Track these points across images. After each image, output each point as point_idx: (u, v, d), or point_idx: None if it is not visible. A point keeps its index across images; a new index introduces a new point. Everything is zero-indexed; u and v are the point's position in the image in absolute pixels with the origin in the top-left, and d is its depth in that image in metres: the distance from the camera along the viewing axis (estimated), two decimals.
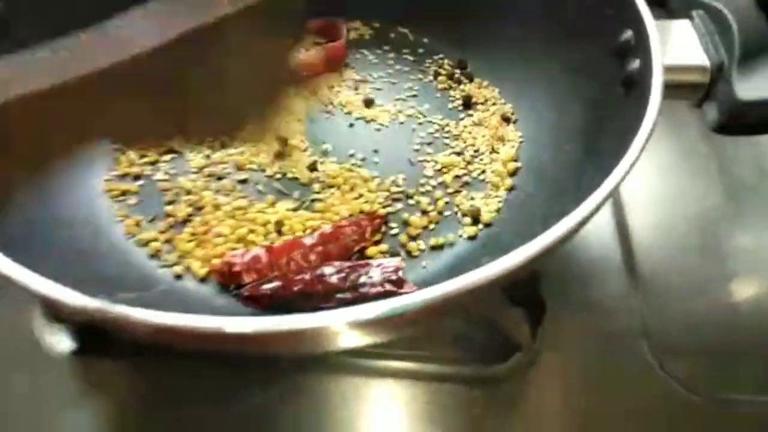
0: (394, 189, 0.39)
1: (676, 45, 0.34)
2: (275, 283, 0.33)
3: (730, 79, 0.31)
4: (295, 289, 0.33)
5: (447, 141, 0.42)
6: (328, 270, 0.34)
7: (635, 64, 0.34)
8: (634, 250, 0.41)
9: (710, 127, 0.32)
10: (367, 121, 0.43)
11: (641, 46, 0.33)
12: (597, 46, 0.37)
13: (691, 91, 0.34)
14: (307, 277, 0.33)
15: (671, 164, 0.47)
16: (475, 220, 0.38)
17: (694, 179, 0.45)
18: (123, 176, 0.39)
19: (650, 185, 0.46)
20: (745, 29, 0.32)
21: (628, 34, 0.35)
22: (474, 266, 0.34)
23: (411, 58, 0.48)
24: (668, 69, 0.33)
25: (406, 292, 0.32)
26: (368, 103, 0.44)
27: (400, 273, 0.33)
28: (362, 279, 0.33)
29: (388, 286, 0.33)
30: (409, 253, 0.36)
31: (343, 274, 0.34)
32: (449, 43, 0.48)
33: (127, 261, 0.35)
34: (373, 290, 0.33)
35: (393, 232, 0.38)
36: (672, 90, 0.34)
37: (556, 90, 0.41)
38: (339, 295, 0.33)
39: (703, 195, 0.45)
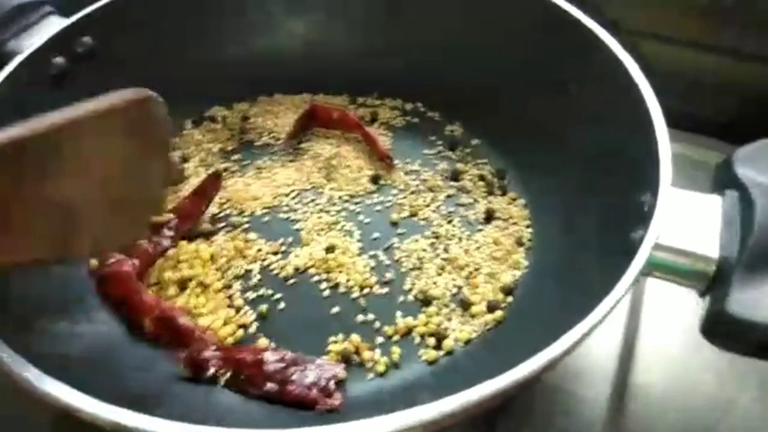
0: (376, 288, 0.39)
1: (693, 223, 0.30)
2: (216, 353, 0.34)
3: (730, 281, 0.27)
4: (232, 366, 0.33)
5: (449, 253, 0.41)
6: (270, 356, 0.34)
7: (640, 233, 0.30)
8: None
9: (699, 329, 0.28)
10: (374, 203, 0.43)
11: (650, 215, 0.30)
12: (621, 201, 0.35)
13: (694, 279, 0.30)
14: (248, 358, 0.34)
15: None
16: (438, 345, 0.36)
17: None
18: None
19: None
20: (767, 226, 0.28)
21: (647, 197, 0.32)
22: (415, 397, 0.33)
23: (453, 155, 0.47)
24: (668, 249, 0.30)
25: (328, 405, 0.32)
26: (375, 179, 0.44)
27: (332, 383, 0.32)
28: (295, 376, 0.33)
29: (314, 392, 0.32)
30: (361, 363, 0.35)
31: (282, 365, 0.33)
32: (495, 148, 0.47)
33: None
34: (297, 391, 0.32)
35: (359, 319, 0.37)
36: (674, 273, 0.30)
37: (576, 230, 0.38)
38: (268, 385, 0.32)
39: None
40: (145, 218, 0.34)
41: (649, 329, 0.41)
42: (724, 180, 0.32)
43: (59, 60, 0.41)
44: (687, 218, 0.31)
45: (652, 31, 0.52)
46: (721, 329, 0.27)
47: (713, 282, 0.28)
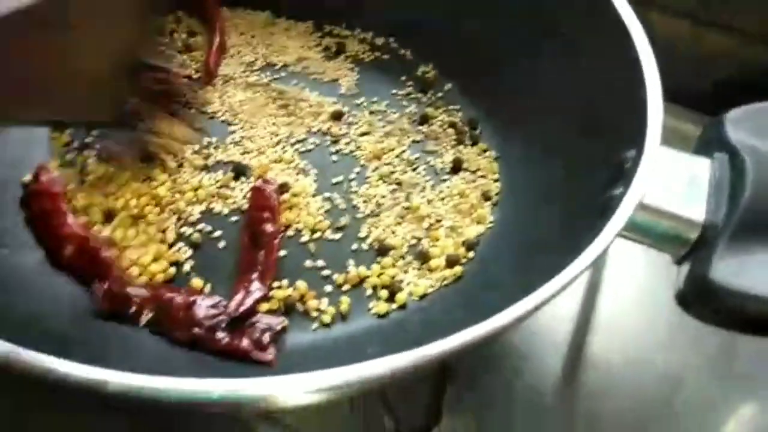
0: (328, 233, 0.35)
1: (678, 184, 0.28)
2: (140, 290, 0.30)
3: (715, 248, 0.25)
4: (157, 306, 0.30)
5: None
6: (203, 300, 0.30)
7: (619, 190, 0.28)
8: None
9: (674, 295, 0.26)
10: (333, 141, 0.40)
11: (632, 172, 0.27)
12: (601, 156, 0.32)
13: (674, 243, 0.27)
14: (177, 299, 0.30)
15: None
16: (391, 297, 0.33)
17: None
18: None
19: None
20: (759, 193, 0.25)
21: (631, 153, 0.29)
22: (361, 351, 0.30)
23: (424, 98, 0.43)
24: (650, 209, 0.27)
25: (259, 357, 0.29)
26: (336, 116, 0.41)
27: (266, 336, 0.29)
28: (226, 324, 0.29)
29: (245, 343, 0.29)
30: (306, 312, 0.32)
31: (214, 311, 0.30)
32: (469, 95, 0.43)
33: None
34: (226, 341, 0.29)
35: (308, 265, 0.34)
36: (652, 236, 0.28)
37: (548, 185, 0.36)
38: (193, 330, 0.29)
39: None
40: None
41: (607, 297, 0.39)
42: (712, 142, 0.30)
43: None
44: (671, 179, 0.28)
45: None
46: (702, 297, 0.25)
47: (695, 248, 0.26)
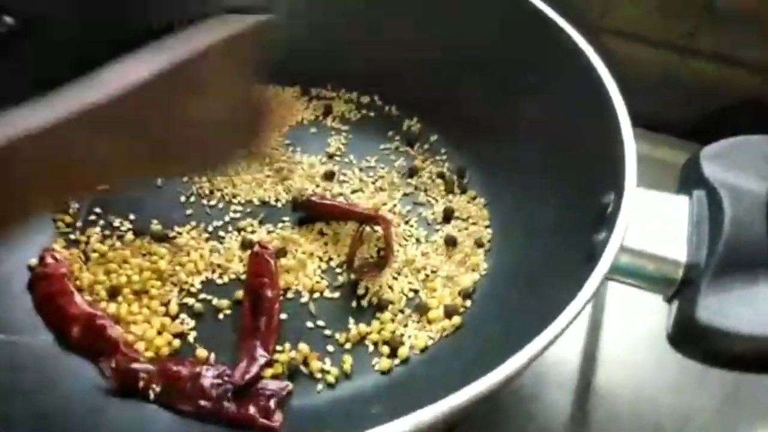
0: (327, 292, 0.36)
1: (660, 226, 0.29)
2: (146, 365, 0.31)
3: (699, 287, 0.25)
4: (164, 380, 0.30)
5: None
6: (208, 371, 0.31)
7: (602, 235, 0.29)
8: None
9: (666, 337, 0.27)
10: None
11: (614, 217, 0.28)
12: (584, 202, 0.33)
13: (661, 284, 0.28)
14: (183, 372, 0.31)
15: None
16: (393, 353, 0.33)
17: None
18: None
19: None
20: (738, 230, 0.26)
21: (611, 197, 0.30)
22: (365, 411, 0.31)
23: (411, 151, 0.45)
24: (634, 253, 0.28)
25: (266, 425, 0.29)
26: (328, 176, 0.42)
27: (272, 402, 0.30)
28: (232, 392, 0.30)
29: (252, 410, 0.29)
30: (310, 374, 0.33)
31: (219, 381, 0.31)
32: (455, 145, 0.44)
33: None
34: (233, 410, 0.29)
35: (309, 326, 0.35)
36: (639, 278, 0.29)
37: (537, 231, 0.36)
38: (200, 401, 0.30)
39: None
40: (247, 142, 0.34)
41: (610, 332, 0.40)
42: (691, 180, 0.31)
43: None
44: (653, 220, 0.29)
45: (618, 28, 0.51)
46: (690, 337, 0.25)
47: (681, 287, 0.27)
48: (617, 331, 0.39)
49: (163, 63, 0.27)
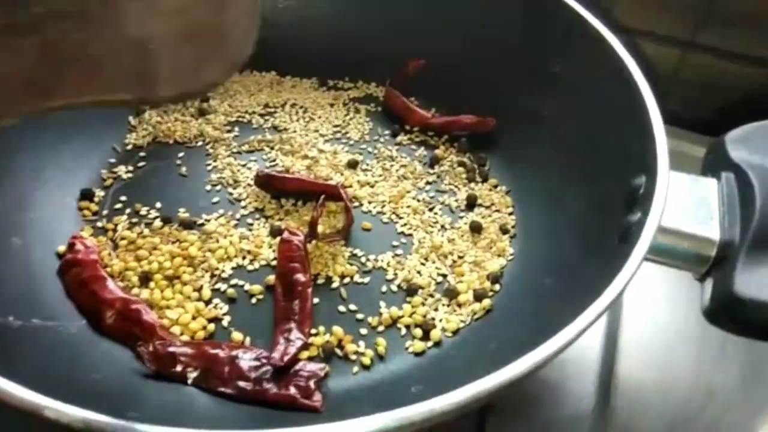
0: (357, 277, 0.36)
1: (691, 206, 0.30)
2: (184, 349, 0.31)
3: (734, 263, 0.26)
4: (203, 363, 0.30)
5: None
6: (245, 354, 0.31)
7: (636, 216, 0.29)
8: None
9: (702, 311, 0.27)
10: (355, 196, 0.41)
11: (647, 198, 0.29)
12: (612, 184, 0.34)
13: (694, 262, 0.29)
14: (221, 355, 0.31)
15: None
16: (426, 335, 0.34)
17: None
18: None
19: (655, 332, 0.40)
20: None
21: (641, 179, 0.31)
22: (404, 391, 0.31)
23: (431, 141, 0.45)
24: (669, 232, 0.29)
25: (307, 404, 0.29)
26: (352, 164, 0.42)
27: (311, 383, 0.30)
28: (271, 375, 0.30)
29: (293, 391, 0.29)
30: (345, 356, 0.33)
31: (257, 363, 0.31)
32: (475, 134, 0.45)
33: None
34: (274, 391, 0.29)
35: (341, 310, 0.35)
36: (673, 257, 0.29)
37: (562, 215, 0.37)
38: (240, 383, 0.30)
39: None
40: (233, 56, 0.30)
41: (631, 317, 0.40)
42: (717, 163, 0.32)
43: None
44: (684, 201, 0.30)
45: (633, 26, 0.51)
46: (728, 311, 0.26)
47: (715, 265, 0.28)
48: (637, 313, 0.40)
49: None
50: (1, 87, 0.23)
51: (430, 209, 0.41)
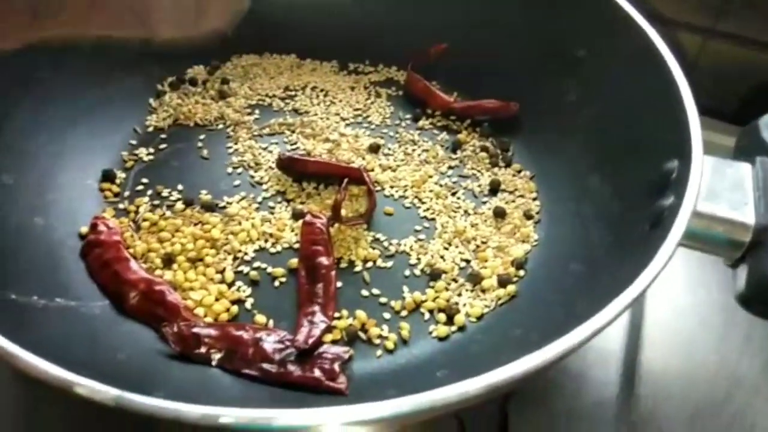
0: (380, 261, 0.36)
1: (725, 191, 0.29)
2: (208, 330, 0.31)
3: None
4: (227, 344, 0.30)
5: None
6: (269, 336, 0.31)
7: (668, 200, 0.29)
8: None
9: (735, 297, 0.27)
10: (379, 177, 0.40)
11: (681, 182, 0.29)
12: (642, 169, 0.33)
13: (728, 247, 0.28)
14: (245, 336, 0.31)
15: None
16: (450, 320, 0.34)
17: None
18: None
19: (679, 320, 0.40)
20: None
21: (674, 164, 0.30)
22: (428, 375, 0.31)
23: (453, 125, 0.45)
24: (704, 217, 0.28)
25: (332, 387, 0.29)
26: (373, 149, 0.42)
27: (336, 365, 0.30)
28: (295, 357, 0.30)
29: (317, 373, 0.29)
30: (369, 339, 0.33)
31: (281, 345, 0.31)
32: (497, 118, 0.44)
33: None
34: (298, 373, 0.29)
35: (364, 294, 0.35)
36: (706, 242, 0.29)
37: (588, 201, 0.37)
38: (264, 365, 0.30)
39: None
40: (232, 6, 0.29)
41: (653, 304, 0.40)
42: (750, 147, 0.31)
43: None
44: (718, 185, 0.29)
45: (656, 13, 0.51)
46: (764, 296, 0.25)
47: (750, 250, 0.27)
48: (660, 300, 0.40)
49: None
50: (4, 10, 0.22)
51: (453, 194, 0.40)
